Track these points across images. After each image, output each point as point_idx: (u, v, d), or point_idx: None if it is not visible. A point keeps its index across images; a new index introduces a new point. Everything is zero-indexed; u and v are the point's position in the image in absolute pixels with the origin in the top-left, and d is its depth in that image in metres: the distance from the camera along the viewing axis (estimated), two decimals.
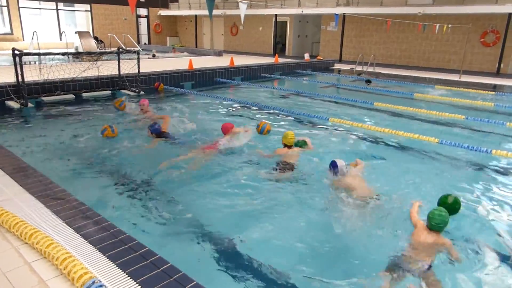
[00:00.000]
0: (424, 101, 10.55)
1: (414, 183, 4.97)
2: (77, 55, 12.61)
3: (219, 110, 8.98)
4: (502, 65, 15.97)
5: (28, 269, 2.62)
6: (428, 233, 3.23)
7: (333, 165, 4.55)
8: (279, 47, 24.46)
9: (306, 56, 18.63)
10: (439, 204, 3.78)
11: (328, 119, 8.01)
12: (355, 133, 7.19)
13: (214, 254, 3.29)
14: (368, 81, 13.63)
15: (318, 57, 19.68)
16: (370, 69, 16.13)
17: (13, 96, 8.42)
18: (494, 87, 12.94)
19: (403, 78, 14.48)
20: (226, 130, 6.12)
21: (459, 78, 13.82)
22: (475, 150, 6.22)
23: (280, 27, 23.77)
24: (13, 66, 8.32)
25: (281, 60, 17.49)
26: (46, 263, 2.66)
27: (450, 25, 14.87)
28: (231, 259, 3.23)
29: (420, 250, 3.15)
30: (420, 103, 10.24)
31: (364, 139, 6.88)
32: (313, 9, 19.40)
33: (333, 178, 4.47)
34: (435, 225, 3.20)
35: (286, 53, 23.45)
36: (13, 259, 2.73)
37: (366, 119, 8.31)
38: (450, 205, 3.75)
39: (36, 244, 2.78)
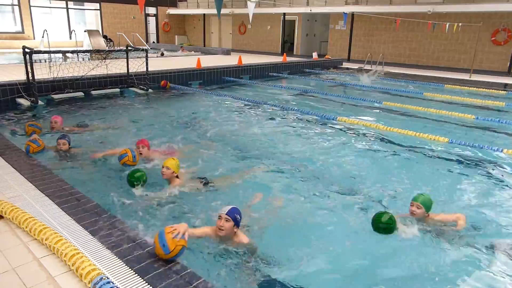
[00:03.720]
0: (434, 101, 10.44)
1: (422, 183, 4.92)
2: (74, 53, 12.65)
3: (226, 108, 8.98)
4: None
5: (37, 264, 2.65)
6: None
7: (235, 213, 3.21)
8: (287, 46, 24.39)
9: (315, 55, 18.56)
10: (374, 222, 3.51)
11: (336, 118, 7.97)
12: (364, 133, 7.15)
13: (222, 252, 3.27)
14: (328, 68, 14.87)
15: (326, 56, 19.59)
16: (379, 68, 16.00)
17: (23, 93, 8.51)
18: (505, 86, 12.75)
19: (412, 77, 14.35)
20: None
21: (469, 77, 13.65)
22: (486, 149, 6.15)
23: (288, 26, 23.71)
24: (23, 64, 8.40)
25: (289, 59, 17.44)
26: (54, 259, 2.69)
27: (460, 24, 14.69)
28: (239, 257, 3.21)
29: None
30: (430, 102, 10.14)
31: (373, 138, 6.83)
32: (321, 7, 19.32)
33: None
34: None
35: (294, 52, 23.38)
36: (23, 255, 2.76)
37: (374, 119, 8.25)
38: (385, 224, 3.47)
39: (45, 240, 2.80)
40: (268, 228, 3.70)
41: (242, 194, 4.36)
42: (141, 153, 4.98)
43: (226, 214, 3.13)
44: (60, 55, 12.98)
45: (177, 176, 4.31)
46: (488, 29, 16.04)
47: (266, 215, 3.96)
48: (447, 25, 14.57)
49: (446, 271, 3.14)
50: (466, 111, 8.82)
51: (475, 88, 12.15)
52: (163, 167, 4.26)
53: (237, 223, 3.19)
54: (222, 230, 3.13)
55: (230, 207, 3.21)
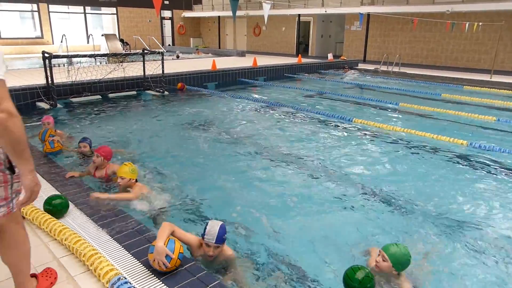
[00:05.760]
0: (452, 102, 10.23)
1: (440, 188, 4.82)
2: (92, 57, 12.87)
3: (242, 110, 8.99)
4: None
5: (57, 264, 2.69)
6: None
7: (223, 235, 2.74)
8: (302, 48, 24.32)
9: (330, 56, 18.44)
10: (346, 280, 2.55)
11: (352, 119, 7.89)
12: (380, 135, 7.05)
13: (239, 254, 3.27)
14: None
15: (341, 57, 19.45)
16: (396, 69, 15.80)
17: (43, 97, 8.70)
18: None
19: (430, 78, 14.10)
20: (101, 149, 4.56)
21: (490, 78, 13.34)
22: (508, 153, 5.98)
23: (303, 27, 23.64)
24: (43, 69, 8.59)
25: (304, 60, 17.38)
26: (73, 259, 2.73)
27: (480, 23, 14.38)
28: (256, 258, 3.20)
29: None
30: (448, 104, 9.94)
31: (389, 141, 6.73)
32: (337, 8, 19.18)
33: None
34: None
35: (309, 53, 23.29)
36: (43, 255, 2.81)
37: (391, 120, 8.13)
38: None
39: (65, 240, 2.85)
40: (287, 229, 3.68)
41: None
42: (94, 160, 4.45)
43: (215, 242, 2.68)
44: (78, 59, 13.24)
45: (136, 180, 3.98)
46: (510, 28, 15.65)
47: (285, 217, 3.94)
48: (467, 25, 14.27)
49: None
50: (486, 113, 8.60)
51: (496, 89, 11.86)
52: (118, 177, 3.95)
53: (224, 241, 2.77)
54: (211, 256, 2.74)
55: (215, 230, 2.69)
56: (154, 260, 2.47)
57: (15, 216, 2.09)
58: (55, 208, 3.28)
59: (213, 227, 2.71)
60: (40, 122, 6.20)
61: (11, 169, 1.95)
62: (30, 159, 1.86)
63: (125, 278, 2.43)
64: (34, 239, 2.98)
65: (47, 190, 3.80)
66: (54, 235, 2.96)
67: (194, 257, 2.86)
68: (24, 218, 3.26)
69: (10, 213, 2.02)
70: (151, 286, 2.39)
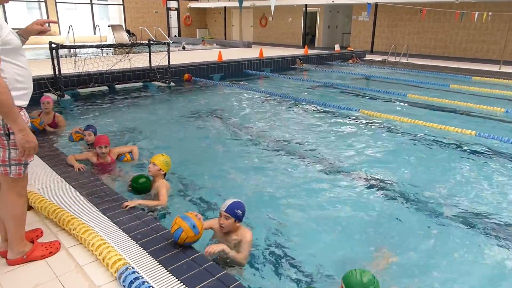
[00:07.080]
0: (461, 93, 10.12)
1: (448, 178, 4.79)
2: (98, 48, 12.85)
3: (247, 101, 8.98)
4: None
5: (66, 254, 2.74)
6: None
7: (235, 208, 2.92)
8: (308, 38, 24.11)
9: (337, 47, 18.28)
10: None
11: (358, 110, 7.84)
12: (387, 126, 7.01)
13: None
14: (300, 59, 15.24)
15: (348, 48, 19.27)
16: (403, 60, 15.63)
17: (50, 88, 8.74)
18: None
19: (438, 69, 13.95)
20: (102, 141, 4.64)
21: (499, 69, 13.15)
22: None
23: (310, 17, 23.41)
24: (49, 59, 8.61)
25: (311, 51, 17.24)
26: (82, 249, 2.77)
27: (490, 13, 14.13)
28: (275, 259, 3.20)
29: None
30: (456, 94, 9.83)
31: (396, 131, 6.69)
32: None
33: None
34: None
35: (316, 44, 23.09)
36: None
37: (398, 111, 8.07)
38: None
39: (73, 230, 2.89)
40: (289, 221, 3.69)
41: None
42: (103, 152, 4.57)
43: (225, 211, 2.88)
44: (84, 50, 13.27)
45: (165, 175, 3.95)
46: None
47: (287, 208, 3.95)
48: (476, 15, 14.03)
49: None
50: (495, 104, 8.51)
51: (505, 80, 11.70)
52: (150, 162, 3.96)
53: (238, 218, 2.92)
54: (223, 227, 2.93)
55: (230, 201, 2.93)
56: (196, 215, 2.85)
57: (11, 181, 2.36)
58: (141, 186, 3.75)
59: (229, 199, 3.00)
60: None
61: (8, 135, 2.23)
62: (17, 120, 2.12)
63: (133, 268, 2.46)
64: (43, 229, 3.03)
65: (50, 177, 3.85)
66: (63, 225, 3.00)
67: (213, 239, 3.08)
68: (31, 208, 3.30)
69: (6, 174, 2.33)
70: (158, 276, 2.42)
